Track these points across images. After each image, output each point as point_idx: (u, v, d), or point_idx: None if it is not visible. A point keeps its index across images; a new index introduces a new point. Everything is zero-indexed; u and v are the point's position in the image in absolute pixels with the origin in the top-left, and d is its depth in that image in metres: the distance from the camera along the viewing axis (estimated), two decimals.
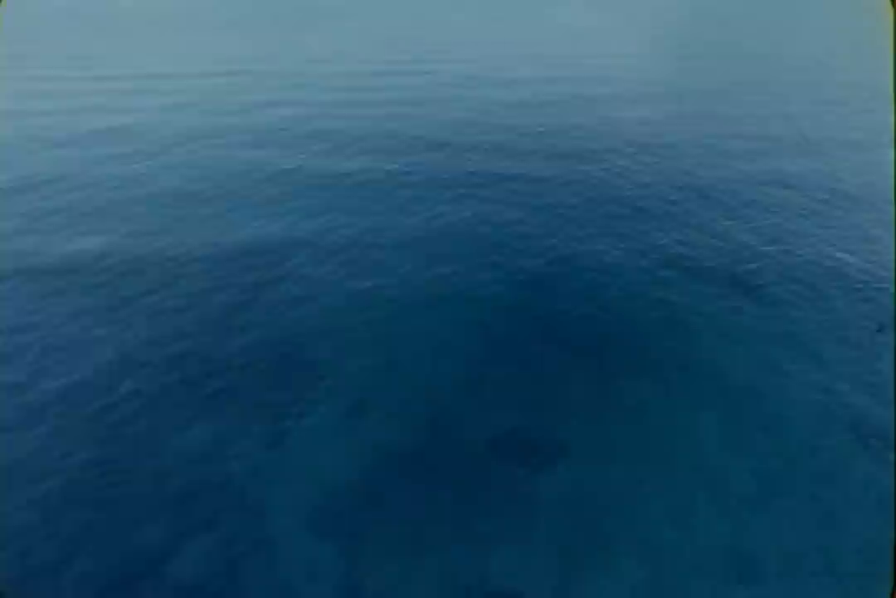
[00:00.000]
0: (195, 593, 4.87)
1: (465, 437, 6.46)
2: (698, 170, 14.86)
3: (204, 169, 15.15)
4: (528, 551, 5.22)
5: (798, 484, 5.84)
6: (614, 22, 46.30)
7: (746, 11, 50.44)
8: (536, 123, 19.38)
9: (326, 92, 24.38)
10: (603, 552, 5.21)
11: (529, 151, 16.40)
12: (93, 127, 19.31)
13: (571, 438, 6.45)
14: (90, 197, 13.22)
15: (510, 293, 9.28)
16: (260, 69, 30.10)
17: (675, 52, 33.24)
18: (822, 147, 16.64)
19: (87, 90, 24.91)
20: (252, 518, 5.51)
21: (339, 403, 6.96)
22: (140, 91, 24.79)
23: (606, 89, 24.28)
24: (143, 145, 17.22)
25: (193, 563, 5.11)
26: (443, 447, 6.32)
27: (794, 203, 12.79)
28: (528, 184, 13.94)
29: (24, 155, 16.35)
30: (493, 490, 5.81)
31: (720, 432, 6.50)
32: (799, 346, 7.96)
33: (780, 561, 5.10)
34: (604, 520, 5.51)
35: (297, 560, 5.15)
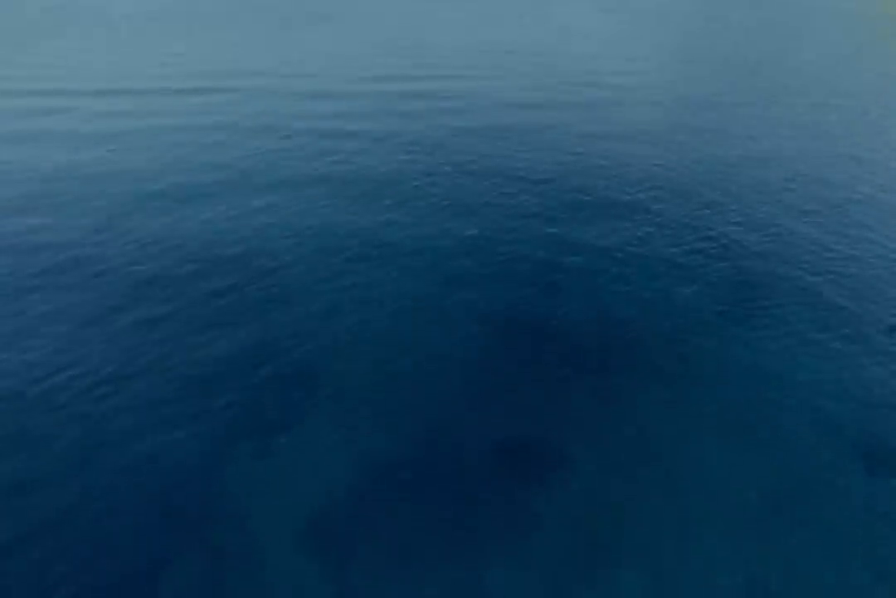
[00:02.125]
0: None
1: (463, 449, 6.37)
2: (703, 175, 14.78)
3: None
4: (526, 566, 5.14)
5: (803, 499, 5.77)
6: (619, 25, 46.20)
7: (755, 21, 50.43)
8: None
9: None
10: (603, 566, 5.13)
11: (520, 145, 16.32)
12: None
13: (572, 451, 6.37)
14: None
15: (512, 303, 9.18)
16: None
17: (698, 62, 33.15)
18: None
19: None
20: (241, 532, 5.40)
21: (333, 413, 6.86)
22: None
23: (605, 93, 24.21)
24: None
25: (180, 578, 5.00)
26: (440, 459, 6.23)
27: (797, 206, 12.73)
28: (531, 184, 13.84)
29: None
30: (491, 503, 5.73)
31: (724, 446, 6.42)
32: (805, 354, 7.88)
33: (785, 578, 5.03)
34: (604, 535, 5.43)
35: (286, 576, 5.04)
